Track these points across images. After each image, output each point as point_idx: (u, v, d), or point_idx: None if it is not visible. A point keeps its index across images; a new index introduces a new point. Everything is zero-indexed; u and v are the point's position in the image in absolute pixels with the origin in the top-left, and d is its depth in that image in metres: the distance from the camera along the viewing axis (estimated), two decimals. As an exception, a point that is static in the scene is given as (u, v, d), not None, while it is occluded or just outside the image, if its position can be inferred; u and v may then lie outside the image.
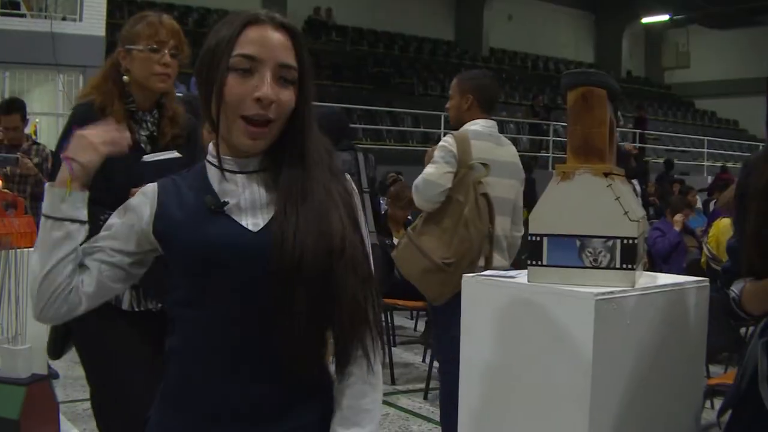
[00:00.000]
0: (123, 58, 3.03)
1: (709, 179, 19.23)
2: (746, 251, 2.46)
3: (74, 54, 15.02)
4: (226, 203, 1.67)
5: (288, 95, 1.65)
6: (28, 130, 13.45)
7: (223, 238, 1.65)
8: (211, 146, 1.74)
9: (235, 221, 1.67)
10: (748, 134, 29.61)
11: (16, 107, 6.32)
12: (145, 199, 1.75)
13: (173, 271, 1.72)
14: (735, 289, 2.51)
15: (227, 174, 1.71)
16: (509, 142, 4.51)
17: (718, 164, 19.89)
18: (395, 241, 7.29)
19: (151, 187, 1.76)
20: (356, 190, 1.78)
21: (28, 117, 6.47)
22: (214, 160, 1.72)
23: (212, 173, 1.73)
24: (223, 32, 1.66)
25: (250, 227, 1.66)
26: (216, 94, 1.63)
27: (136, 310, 3.03)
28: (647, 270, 3.24)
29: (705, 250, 7.55)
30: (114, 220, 1.77)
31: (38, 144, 6.54)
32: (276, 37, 1.65)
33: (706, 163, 23.01)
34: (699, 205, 13.17)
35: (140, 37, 2.98)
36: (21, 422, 2.21)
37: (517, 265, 4.03)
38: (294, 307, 1.60)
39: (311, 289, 1.61)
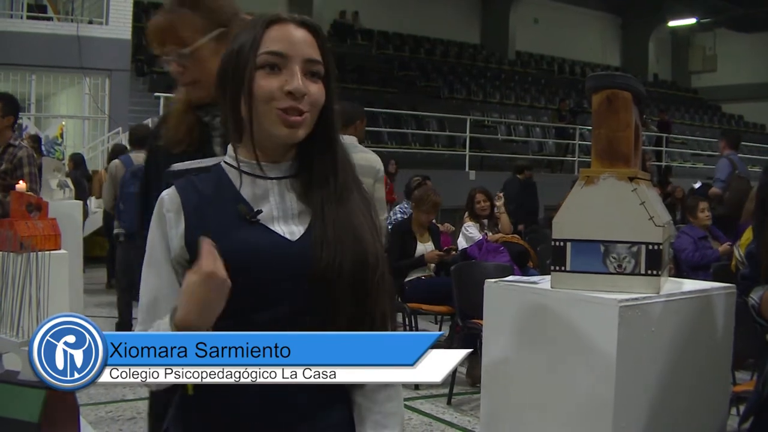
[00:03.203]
0: None
1: (736, 183, 19.04)
2: (764, 257, 2.43)
3: (100, 57, 15.14)
4: (260, 211, 1.64)
5: (318, 89, 1.63)
6: (54, 133, 13.61)
7: (262, 247, 1.62)
8: (230, 149, 1.70)
9: (271, 230, 1.64)
10: (775, 138, 29.38)
11: None
12: (167, 212, 1.67)
13: None
14: (754, 296, 2.47)
15: (256, 179, 1.68)
16: (365, 149, 5.36)
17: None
18: (419, 245, 7.29)
19: (171, 196, 1.69)
20: (373, 197, 1.77)
21: (20, 118, 6.13)
22: (235, 163, 1.68)
23: (236, 178, 1.68)
24: (244, 36, 1.65)
25: (287, 236, 1.64)
26: (246, 93, 1.61)
27: None
28: (673, 276, 3.21)
29: (736, 253, 7.47)
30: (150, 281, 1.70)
31: (13, 146, 5.96)
32: (300, 33, 1.64)
33: (733, 168, 22.86)
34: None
35: None
36: (41, 426, 2.20)
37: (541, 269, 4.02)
38: (331, 316, 1.60)
39: (347, 298, 1.61)
